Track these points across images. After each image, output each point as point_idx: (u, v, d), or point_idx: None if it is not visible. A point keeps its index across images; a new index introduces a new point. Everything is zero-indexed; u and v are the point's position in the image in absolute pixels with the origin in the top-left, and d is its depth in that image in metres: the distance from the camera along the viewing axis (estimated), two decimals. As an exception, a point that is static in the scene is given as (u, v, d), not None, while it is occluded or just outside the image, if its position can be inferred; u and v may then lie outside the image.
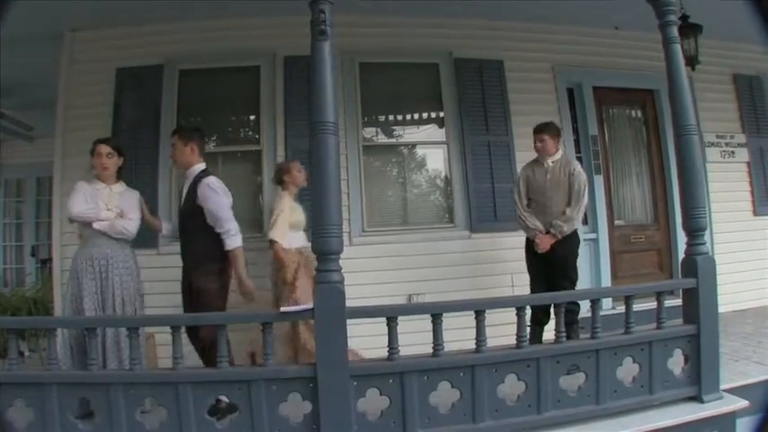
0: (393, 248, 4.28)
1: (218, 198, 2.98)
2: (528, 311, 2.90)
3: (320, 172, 2.38)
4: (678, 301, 2.96)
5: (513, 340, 2.59)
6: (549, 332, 3.00)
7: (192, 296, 2.99)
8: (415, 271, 4.22)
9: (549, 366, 2.56)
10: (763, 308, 4.91)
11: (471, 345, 2.52)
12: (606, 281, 4.83)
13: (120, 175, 3.23)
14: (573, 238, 3.66)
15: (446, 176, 4.66)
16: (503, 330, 2.71)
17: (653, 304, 2.84)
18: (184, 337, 2.67)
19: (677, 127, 2.92)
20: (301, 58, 3.32)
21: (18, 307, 4.74)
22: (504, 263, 4.33)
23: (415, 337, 2.50)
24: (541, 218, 3.65)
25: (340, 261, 2.40)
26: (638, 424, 2.60)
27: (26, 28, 3.61)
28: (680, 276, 2.98)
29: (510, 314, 2.64)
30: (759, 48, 4.94)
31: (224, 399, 2.42)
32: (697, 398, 2.77)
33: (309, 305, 2.40)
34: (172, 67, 4.30)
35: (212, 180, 3.04)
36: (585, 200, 3.68)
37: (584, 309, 3.15)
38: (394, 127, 4.73)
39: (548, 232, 3.60)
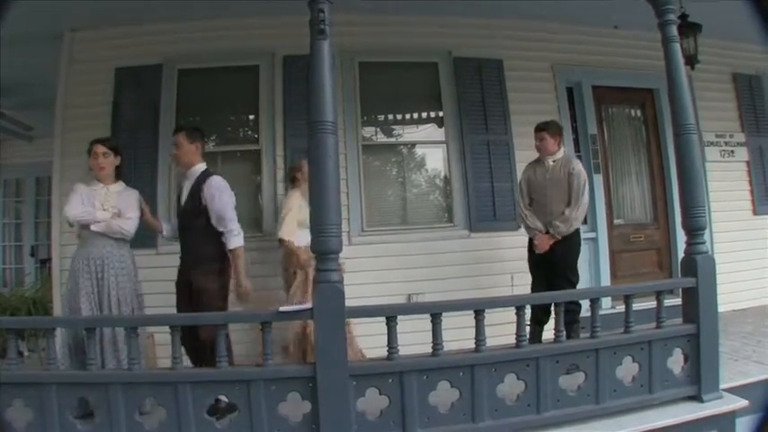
0: (392, 248, 4.28)
1: (223, 198, 2.99)
2: (528, 311, 2.90)
3: (319, 171, 2.38)
4: (678, 301, 2.95)
5: (512, 340, 2.59)
6: (548, 332, 2.99)
7: (193, 296, 2.98)
8: (414, 270, 4.22)
9: (548, 366, 2.56)
10: (762, 307, 4.90)
11: (471, 344, 2.52)
12: (606, 280, 4.82)
13: (119, 174, 3.22)
14: (573, 239, 3.62)
15: (445, 176, 4.65)
16: (502, 330, 2.70)
17: (652, 303, 2.84)
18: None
19: (676, 126, 2.92)
20: (300, 58, 3.31)
21: (17, 307, 4.75)
22: (503, 262, 4.32)
23: (414, 337, 2.50)
24: (542, 217, 3.64)
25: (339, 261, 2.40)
26: (638, 423, 2.60)
27: (26, 28, 3.60)
28: (679, 276, 2.98)
29: (509, 313, 2.64)
30: (758, 47, 4.95)
31: (223, 398, 2.42)
32: (697, 397, 2.77)
33: (309, 305, 2.40)
34: (171, 67, 4.29)
35: (218, 180, 3.05)
36: (586, 199, 3.61)
37: (584, 308, 3.15)
38: (393, 126, 4.73)
39: (547, 232, 3.59)
